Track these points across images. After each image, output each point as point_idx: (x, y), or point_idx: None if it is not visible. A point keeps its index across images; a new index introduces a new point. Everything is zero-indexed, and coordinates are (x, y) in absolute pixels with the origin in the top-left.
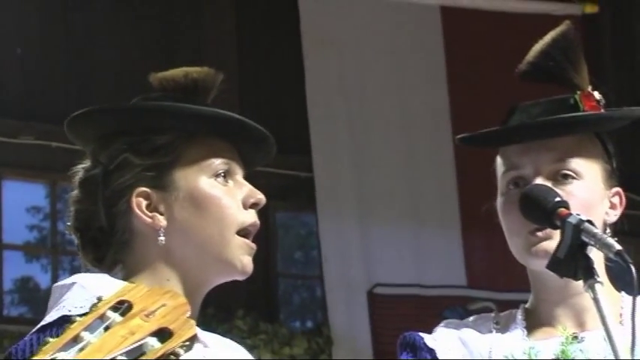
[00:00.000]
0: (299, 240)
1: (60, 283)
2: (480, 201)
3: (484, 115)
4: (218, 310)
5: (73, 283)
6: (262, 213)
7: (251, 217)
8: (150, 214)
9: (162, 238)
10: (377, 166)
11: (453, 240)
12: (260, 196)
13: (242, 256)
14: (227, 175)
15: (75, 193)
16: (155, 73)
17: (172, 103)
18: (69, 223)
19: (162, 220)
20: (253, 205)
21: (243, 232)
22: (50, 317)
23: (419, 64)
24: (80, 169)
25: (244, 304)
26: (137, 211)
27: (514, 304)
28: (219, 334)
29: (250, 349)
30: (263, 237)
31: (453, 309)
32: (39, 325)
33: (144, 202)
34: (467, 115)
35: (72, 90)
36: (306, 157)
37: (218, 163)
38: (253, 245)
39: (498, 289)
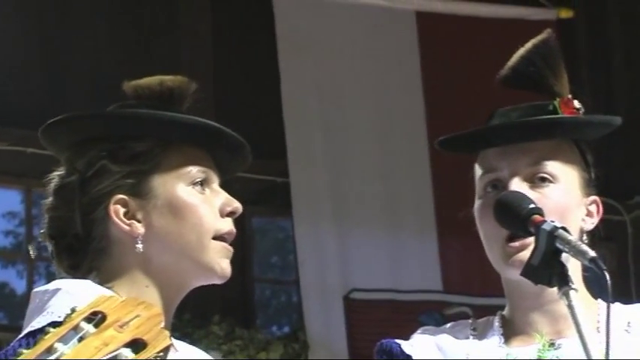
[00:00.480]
0: (275, 245)
1: (41, 288)
2: (456, 206)
3: (460, 120)
4: (194, 316)
5: (57, 289)
6: (238, 218)
7: (227, 225)
8: (127, 221)
9: (140, 245)
10: (353, 171)
11: (429, 245)
12: (237, 205)
13: (220, 260)
14: (204, 183)
15: (50, 200)
16: (129, 81)
17: (150, 111)
18: (43, 231)
19: (140, 228)
20: (230, 214)
21: (219, 239)
22: (38, 323)
23: (394, 68)
24: (55, 176)
25: (220, 310)
26: (115, 218)
27: (490, 309)
28: (195, 339)
29: (226, 354)
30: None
31: (429, 314)
32: (26, 331)
33: (121, 210)
34: (442, 120)
35: (47, 95)
36: (282, 161)
37: (196, 171)
38: (231, 248)
39: (474, 294)
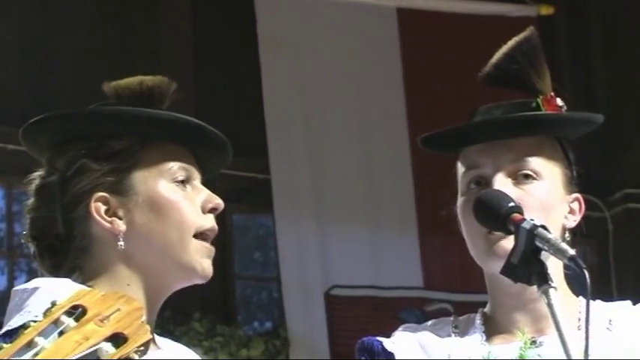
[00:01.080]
0: (256, 242)
1: (21, 287)
2: (436, 203)
3: (441, 117)
4: (175, 313)
5: (36, 288)
6: (219, 215)
7: (209, 222)
8: (109, 219)
9: (121, 242)
10: (334, 168)
11: (410, 242)
12: (218, 201)
13: (202, 259)
14: (185, 180)
15: (31, 201)
16: (109, 81)
17: (129, 108)
18: (25, 232)
19: (121, 225)
20: (212, 210)
21: (201, 237)
22: (14, 322)
23: (375, 66)
24: (36, 176)
25: (201, 307)
26: (96, 216)
27: (471, 306)
28: (176, 336)
29: (207, 351)
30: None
31: (410, 310)
32: (3, 330)
33: (102, 207)
34: (424, 118)
35: (28, 92)
36: (263, 159)
37: (176, 168)
38: (212, 248)
39: (455, 290)
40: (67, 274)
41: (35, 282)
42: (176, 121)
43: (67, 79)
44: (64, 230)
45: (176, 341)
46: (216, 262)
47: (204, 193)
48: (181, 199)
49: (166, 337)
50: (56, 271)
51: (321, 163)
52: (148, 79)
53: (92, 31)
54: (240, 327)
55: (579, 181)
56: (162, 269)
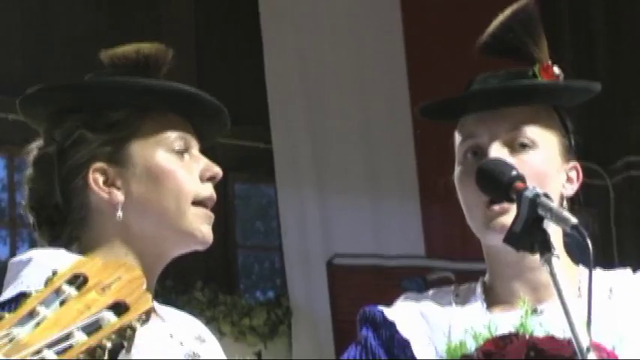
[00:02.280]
0: (258, 211)
1: (16, 259)
2: (438, 171)
3: (443, 85)
4: (176, 282)
5: (30, 260)
6: (220, 184)
7: (208, 190)
8: (107, 189)
9: (119, 213)
10: (335, 138)
11: (412, 211)
12: (217, 170)
13: (201, 226)
14: (183, 149)
15: (29, 172)
16: (105, 50)
17: (125, 78)
18: (24, 202)
19: (119, 195)
20: (210, 179)
21: (200, 205)
22: (9, 293)
23: (376, 34)
24: (34, 147)
25: (203, 276)
26: (94, 186)
27: (473, 274)
28: (177, 306)
29: (209, 320)
30: (221, 208)
31: (412, 279)
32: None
33: (100, 178)
34: (425, 85)
35: (28, 63)
36: (265, 128)
37: (174, 137)
38: (211, 214)
39: (457, 259)
40: (66, 245)
41: (29, 253)
42: (171, 89)
43: (67, 48)
44: (63, 201)
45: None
46: (217, 232)
47: (203, 162)
48: (179, 168)
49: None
50: (55, 242)
51: (322, 132)
52: (145, 47)
53: (91, 1)
54: (242, 296)
55: (579, 149)
56: (160, 238)
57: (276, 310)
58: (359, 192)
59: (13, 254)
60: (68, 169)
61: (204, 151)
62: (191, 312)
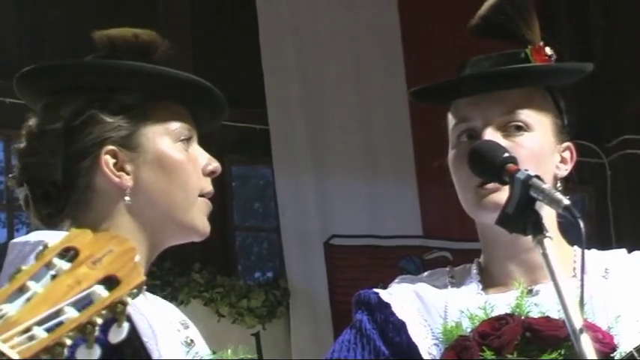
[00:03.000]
0: (255, 193)
1: (21, 239)
2: (435, 151)
3: (438, 65)
4: (175, 264)
5: (40, 242)
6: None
7: (209, 185)
8: (117, 173)
9: (128, 198)
10: (332, 118)
11: (409, 190)
12: (217, 164)
13: (202, 217)
14: (188, 141)
15: (26, 145)
16: (100, 30)
17: (141, 64)
18: (12, 176)
19: (129, 180)
20: (211, 173)
21: (202, 196)
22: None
23: (372, 17)
24: (33, 122)
25: (201, 258)
26: (105, 169)
27: (470, 253)
28: (176, 287)
29: (208, 302)
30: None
31: (409, 259)
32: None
33: (111, 161)
34: (421, 66)
35: (24, 46)
36: (261, 109)
37: (183, 128)
38: (210, 204)
39: (454, 238)
40: (60, 224)
41: (37, 235)
42: (190, 81)
43: (62, 32)
44: (64, 179)
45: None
46: (215, 214)
47: (205, 156)
48: (187, 161)
49: (166, 289)
50: (49, 220)
51: (319, 112)
52: (143, 33)
53: None
54: (240, 278)
55: (572, 129)
56: (163, 226)
57: (274, 292)
58: (356, 173)
59: (11, 237)
60: (78, 149)
61: (201, 133)
62: (189, 294)
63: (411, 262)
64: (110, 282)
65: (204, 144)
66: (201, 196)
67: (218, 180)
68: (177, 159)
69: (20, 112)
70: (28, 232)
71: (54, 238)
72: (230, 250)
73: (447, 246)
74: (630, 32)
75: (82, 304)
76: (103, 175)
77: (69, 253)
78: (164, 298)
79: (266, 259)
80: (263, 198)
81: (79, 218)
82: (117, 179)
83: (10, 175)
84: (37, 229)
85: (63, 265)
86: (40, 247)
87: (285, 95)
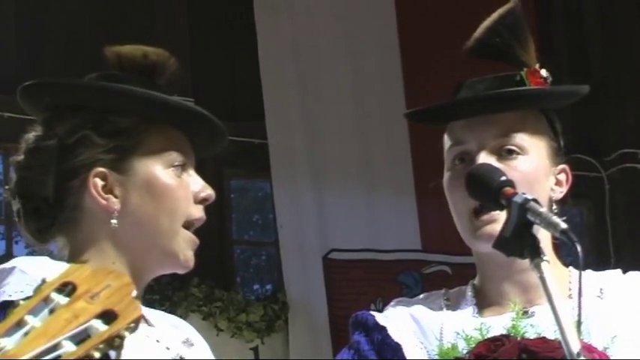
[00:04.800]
0: (254, 206)
1: (1, 266)
2: (433, 166)
3: (437, 80)
4: (173, 278)
5: (13, 268)
6: (216, 180)
7: (199, 212)
8: (105, 195)
9: (115, 221)
10: (330, 132)
11: (408, 204)
12: (210, 192)
13: (186, 250)
14: (182, 167)
15: (23, 159)
16: (110, 46)
17: (141, 90)
18: (8, 187)
19: (116, 204)
20: (203, 200)
21: (187, 225)
22: None
23: (371, 29)
24: (31, 136)
25: (199, 272)
26: (93, 191)
27: (469, 268)
28: (174, 301)
29: (206, 316)
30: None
31: (408, 273)
32: None
33: (100, 183)
34: (419, 78)
35: (23, 60)
36: (260, 123)
37: (176, 155)
38: (197, 240)
39: (453, 252)
40: (49, 240)
41: (13, 262)
42: (188, 110)
43: (62, 47)
44: (55, 197)
45: (175, 307)
46: (213, 228)
47: (198, 183)
48: (177, 187)
49: (165, 303)
50: (39, 235)
51: (317, 126)
52: (152, 53)
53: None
54: (238, 292)
55: (568, 151)
56: (147, 251)
57: (273, 306)
58: (355, 186)
59: (9, 250)
60: (68, 168)
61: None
62: (188, 308)
63: (409, 276)
64: (108, 316)
65: (203, 157)
66: (189, 223)
67: (216, 193)
68: (167, 184)
69: (18, 125)
70: (27, 245)
71: (34, 265)
72: (228, 264)
73: (446, 260)
74: (628, 46)
75: (80, 338)
76: (91, 197)
77: (67, 288)
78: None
79: (265, 271)
80: (262, 211)
81: (68, 237)
82: (104, 202)
83: (7, 187)
84: (29, 243)
85: (61, 299)
86: (39, 282)
87: (284, 109)
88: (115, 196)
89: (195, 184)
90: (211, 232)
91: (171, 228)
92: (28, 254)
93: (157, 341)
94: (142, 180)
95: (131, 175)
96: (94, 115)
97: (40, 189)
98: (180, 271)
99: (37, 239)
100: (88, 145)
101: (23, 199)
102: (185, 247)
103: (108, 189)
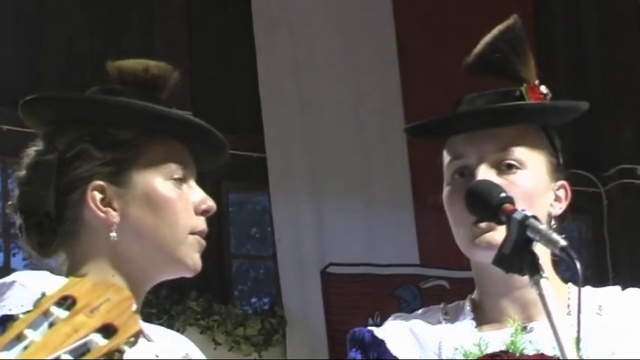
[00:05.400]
0: (252, 221)
1: (0, 280)
2: (431, 180)
3: (436, 93)
4: (171, 292)
5: (13, 282)
6: (215, 193)
7: (201, 224)
8: (104, 208)
9: (114, 234)
10: (328, 146)
11: (406, 219)
12: (211, 204)
13: (193, 254)
14: (182, 179)
15: (24, 174)
16: (113, 60)
17: (140, 102)
18: (11, 203)
19: (115, 216)
20: (204, 212)
21: (194, 234)
22: None
23: (369, 42)
24: (32, 151)
25: (197, 286)
26: (91, 204)
27: (467, 282)
28: (172, 315)
29: (204, 330)
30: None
31: (406, 287)
32: None
33: (98, 196)
34: (418, 93)
35: (21, 72)
36: (258, 137)
37: (175, 166)
38: (203, 242)
39: (451, 267)
40: (50, 255)
41: (13, 276)
42: (185, 121)
43: (60, 58)
44: (55, 211)
45: (172, 320)
46: (211, 242)
47: (199, 194)
48: (177, 199)
49: (163, 316)
50: (41, 249)
51: (316, 140)
52: (153, 66)
53: (85, 7)
54: (236, 305)
55: (567, 168)
56: (150, 263)
57: (271, 320)
58: (353, 201)
59: (7, 262)
60: (67, 182)
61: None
62: (186, 322)
63: (407, 291)
64: (107, 330)
65: (201, 171)
66: (192, 234)
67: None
68: (166, 196)
69: (17, 138)
70: (24, 257)
71: (34, 279)
72: (226, 277)
73: (444, 275)
74: (627, 61)
75: (79, 352)
76: (89, 210)
77: (66, 302)
78: (160, 326)
79: (262, 285)
80: (260, 225)
81: (68, 251)
82: (102, 215)
83: (10, 203)
84: (31, 256)
85: (60, 313)
86: (39, 296)
87: (283, 123)
88: (114, 209)
89: (195, 195)
90: (209, 245)
91: (175, 238)
92: (25, 267)
93: (157, 356)
94: (141, 192)
95: (130, 188)
96: (93, 128)
97: (41, 204)
98: (188, 275)
99: (39, 254)
100: (86, 158)
101: (25, 214)
102: (192, 252)
103: (107, 202)
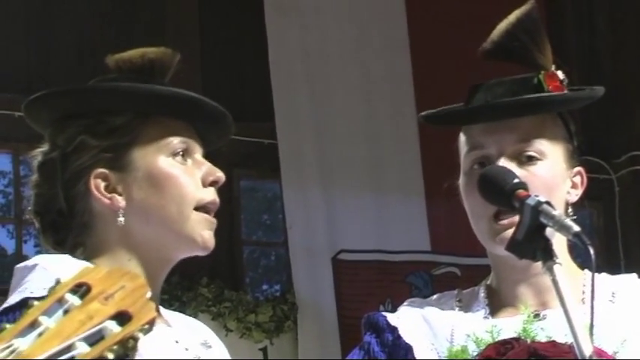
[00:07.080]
0: (263, 207)
1: (22, 264)
2: (443, 166)
3: (447, 82)
4: (182, 278)
5: (35, 265)
6: (226, 181)
7: (210, 195)
8: (108, 195)
9: (121, 219)
10: (339, 133)
11: (417, 205)
12: (219, 174)
13: (202, 231)
14: (185, 153)
15: (34, 177)
16: (112, 53)
17: (126, 84)
18: (29, 208)
19: (120, 201)
20: (212, 183)
21: (202, 209)
22: (13, 299)
23: (381, 30)
24: (39, 152)
25: (208, 272)
26: (95, 192)
27: (478, 269)
28: (184, 302)
29: (215, 317)
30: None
31: (418, 274)
32: (1, 308)
33: (102, 184)
34: (430, 80)
35: (33, 59)
36: (270, 123)
37: (176, 142)
38: (213, 220)
39: (462, 253)
40: (70, 251)
41: (35, 259)
42: (172, 95)
43: (71, 46)
44: (66, 207)
45: (184, 307)
46: (222, 229)
47: (205, 167)
48: (180, 174)
49: (174, 303)
50: (60, 247)
51: (327, 127)
52: (151, 52)
53: None
54: (247, 292)
55: (582, 150)
56: (162, 243)
57: (282, 306)
58: (364, 187)
59: (20, 248)
60: (70, 175)
61: (208, 152)
62: (197, 308)
63: (419, 278)
64: (122, 318)
65: (212, 158)
66: (202, 207)
67: (226, 194)
68: (169, 172)
69: (28, 125)
70: (36, 244)
71: (56, 262)
72: (237, 264)
73: (455, 261)
74: (638, 48)
75: (94, 340)
76: (95, 199)
77: (81, 289)
78: None
79: (274, 272)
80: (271, 212)
81: (85, 243)
82: (108, 201)
83: (29, 208)
84: (47, 251)
85: (75, 300)
86: (47, 281)
87: (294, 110)
88: (119, 194)
89: (202, 167)
90: (220, 232)
91: (181, 214)
92: (37, 254)
93: (176, 342)
94: (143, 173)
95: (132, 171)
96: (89, 119)
97: (53, 203)
98: (201, 253)
99: (58, 252)
100: (84, 149)
101: (40, 216)
102: (201, 229)
103: (111, 188)
